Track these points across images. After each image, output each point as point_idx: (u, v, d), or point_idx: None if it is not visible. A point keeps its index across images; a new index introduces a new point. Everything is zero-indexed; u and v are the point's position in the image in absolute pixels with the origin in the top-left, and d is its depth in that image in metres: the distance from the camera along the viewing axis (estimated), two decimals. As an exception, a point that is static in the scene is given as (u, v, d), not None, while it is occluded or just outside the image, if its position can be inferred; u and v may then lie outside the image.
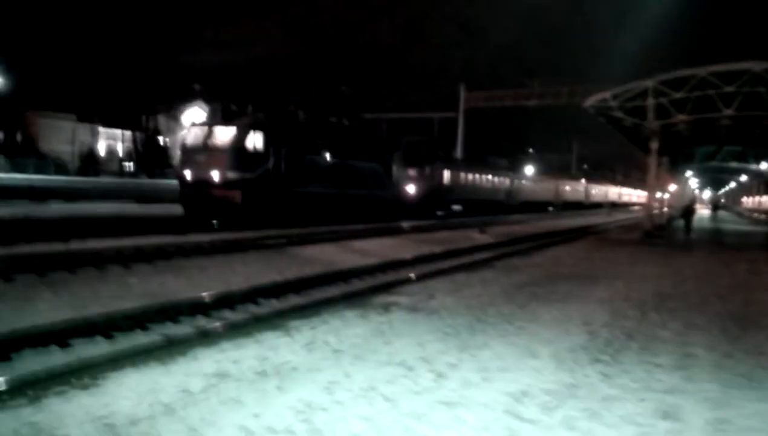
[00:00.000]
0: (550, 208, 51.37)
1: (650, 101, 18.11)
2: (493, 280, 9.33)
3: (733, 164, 36.91)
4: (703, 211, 49.77)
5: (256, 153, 18.96)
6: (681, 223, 25.49)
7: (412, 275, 11.11)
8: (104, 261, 10.49)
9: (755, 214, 46.75)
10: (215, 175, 18.01)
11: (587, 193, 65.04)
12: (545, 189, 50.45)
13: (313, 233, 17.92)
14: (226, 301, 8.47)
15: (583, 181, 65.55)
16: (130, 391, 3.95)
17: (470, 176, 36.35)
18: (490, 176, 39.17)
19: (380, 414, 3.67)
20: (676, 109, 18.29)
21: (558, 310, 7.05)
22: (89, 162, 49.69)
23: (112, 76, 54.04)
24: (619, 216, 48.09)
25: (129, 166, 54.17)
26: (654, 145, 19.79)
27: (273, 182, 19.34)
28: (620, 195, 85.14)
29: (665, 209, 35.40)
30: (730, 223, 40.53)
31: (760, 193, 44.90)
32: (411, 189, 28.66)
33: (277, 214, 19.45)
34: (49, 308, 7.26)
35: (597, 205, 68.01)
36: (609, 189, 77.56)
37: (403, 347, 5.18)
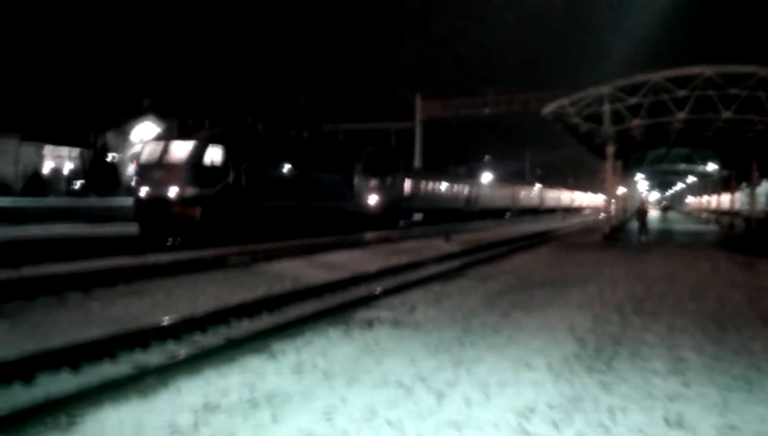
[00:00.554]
0: (507, 215, 52.19)
1: (606, 107, 18.55)
2: (469, 289, 9.25)
3: (682, 166, 38.33)
4: (652, 213, 51.46)
5: (214, 168, 18.51)
6: (635, 225, 26.20)
7: (379, 289, 10.95)
8: (62, 287, 9.92)
9: (703, 214, 48.69)
10: (173, 192, 17.45)
11: (542, 199, 66.41)
12: (503, 196, 51.23)
13: (278, 248, 17.56)
14: (197, 323, 8.10)
15: (537, 187, 66.93)
16: (115, 431, 3.63)
17: (431, 185, 36.53)
18: (450, 185, 39.48)
19: (387, 441, 3.47)
20: (632, 114, 18.80)
21: (541, 317, 7.00)
22: (35, 182, 47.63)
23: (58, 93, 52.18)
24: (573, 220, 49.23)
25: (77, 185, 52.21)
26: (610, 149, 20.28)
27: (233, 197, 18.89)
28: (572, 200, 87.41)
29: (619, 212, 36.33)
30: (679, 223, 42.01)
31: (707, 193, 46.75)
32: (372, 199, 28.53)
33: (239, 230, 19.00)
34: (6, 341, 6.76)
35: (551, 210, 69.61)
36: (561, 194, 79.52)
37: (396, 365, 5.00)
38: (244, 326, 8.36)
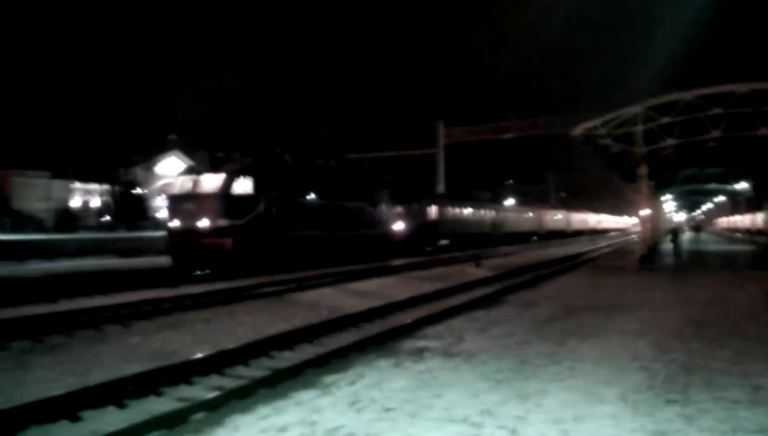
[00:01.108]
0: (534, 238, 51.53)
1: (639, 127, 18.23)
2: (514, 316, 8.95)
3: (712, 185, 37.57)
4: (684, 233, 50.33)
5: (245, 199, 18.60)
6: (668, 246, 25.57)
7: (419, 317, 10.70)
8: (100, 321, 9.87)
9: (736, 234, 47.51)
10: (204, 224, 17.52)
11: (568, 222, 65.58)
12: (529, 219, 50.68)
13: (308, 277, 17.44)
14: (238, 356, 7.92)
15: (563, 210, 66.18)
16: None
17: (456, 210, 36.29)
18: (475, 210, 39.18)
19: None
20: (664, 134, 18.43)
21: (599, 345, 6.68)
22: (65, 218, 48.52)
23: (87, 131, 53.47)
24: (601, 243, 48.30)
25: (106, 219, 53.06)
26: (643, 170, 19.87)
27: (263, 227, 18.91)
28: (598, 222, 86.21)
29: (650, 233, 35.57)
30: (711, 243, 40.98)
31: (739, 212, 45.66)
32: (399, 226, 28.36)
33: (269, 260, 18.97)
34: (50, 377, 6.65)
35: (577, 233, 68.64)
36: (588, 217, 78.51)
37: (458, 399, 4.74)
38: (286, 357, 8.16)
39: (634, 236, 69.76)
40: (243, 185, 18.54)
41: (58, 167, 51.72)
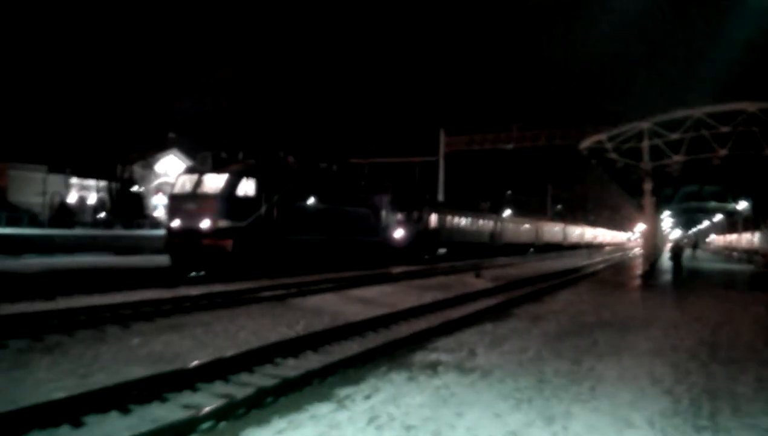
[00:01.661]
0: (531, 250, 51.42)
1: (645, 142, 18.16)
2: (524, 331, 8.78)
3: (712, 204, 37.56)
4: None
5: (247, 200, 18.41)
6: (668, 263, 25.48)
7: (425, 328, 10.53)
8: (100, 320, 9.65)
9: (733, 253, 47.58)
10: (205, 224, 17.31)
11: (565, 235, 65.59)
12: (527, 231, 50.60)
13: (309, 282, 17.25)
14: (242, 362, 7.72)
15: (561, 223, 66.19)
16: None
17: (456, 219, 36.16)
18: (474, 219, 39.06)
19: None
20: (671, 150, 18.37)
21: (616, 366, 6.52)
22: (61, 213, 48.13)
23: (85, 126, 53.14)
24: (599, 257, 48.20)
25: (103, 216, 52.68)
26: (648, 185, 19.80)
27: (265, 230, 18.71)
28: (594, 236, 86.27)
29: (651, 250, 35.51)
30: (707, 261, 40.93)
31: (737, 231, 45.74)
32: (399, 233, 28.20)
33: (269, 263, 18.77)
34: (50, 378, 6.44)
35: (574, 246, 68.62)
36: (584, 230, 78.57)
37: (480, 419, 4.56)
38: (291, 366, 7.96)
39: (629, 251, 69.75)
40: (245, 187, 18.36)
41: (56, 162, 51.37)
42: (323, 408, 4.78)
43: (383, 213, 26.76)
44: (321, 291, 15.52)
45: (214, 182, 18.02)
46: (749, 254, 40.00)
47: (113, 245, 29.95)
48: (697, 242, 65.81)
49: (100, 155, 53.59)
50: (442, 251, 34.22)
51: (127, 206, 51.25)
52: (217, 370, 7.22)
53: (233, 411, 5.54)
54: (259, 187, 18.61)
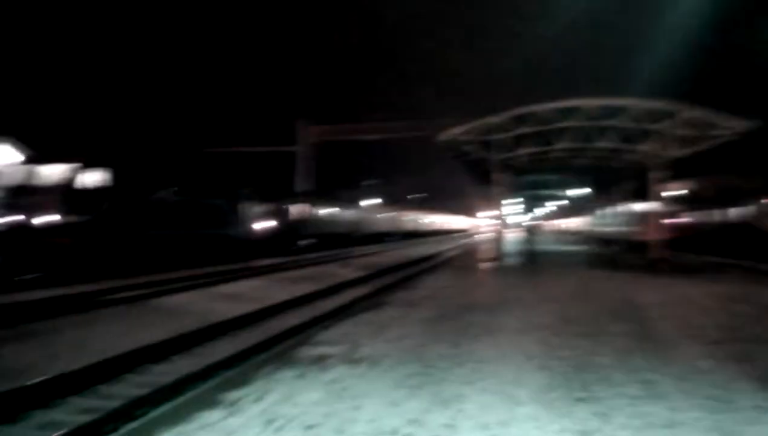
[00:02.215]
0: (393, 238, 53.02)
1: (497, 136, 19.40)
2: (401, 318, 8.95)
3: (551, 191, 41.48)
4: (519, 234, 54.82)
5: (91, 192, 16.89)
6: (515, 247, 27.56)
7: (302, 321, 10.42)
8: None
9: (569, 236, 53.00)
10: (45, 219, 15.59)
11: (422, 222, 68.49)
12: (386, 220, 52.04)
13: (167, 280, 16.25)
14: (107, 370, 7.04)
15: (417, 212, 68.95)
16: None
17: (320, 210, 36.10)
18: (338, 209, 39.31)
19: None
20: (520, 142, 19.81)
21: (492, 346, 6.86)
22: None
23: None
24: (452, 243, 51.00)
25: None
26: (499, 176, 21.19)
27: (112, 225, 17.28)
28: (449, 223, 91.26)
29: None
30: (548, 243, 44.96)
31: (574, 215, 50.93)
32: (263, 225, 27.52)
33: (119, 261, 17.40)
34: None
35: (428, 233, 71.96)
36: (437, 218, 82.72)
37: (379, 410, 4.54)
38: (164, 372, 7.41)
39: (478, 235, 74.71)
40: (90, 177, 16.86)
41: None
42: (213, 415, 4.45)
43: (245, 205, 25.93)
44: (182, 289, 14.70)
45: (54, 173, 16.30)
46: (584, 236, 44.75)
47: None
48: (539, 226, 72.21)
49: None
50: (307, 241, 34.02)
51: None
52: (80, 381, 6.52)
53: (101, 427, 5.01)
54: (106, 178, 17.17)
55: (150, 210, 19.10)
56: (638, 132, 18.72)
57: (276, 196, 30.11)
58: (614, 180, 28.51)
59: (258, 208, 27.42)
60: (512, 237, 35.68)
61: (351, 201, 44.51)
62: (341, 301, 13.17)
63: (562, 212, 57.94)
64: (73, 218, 16.03)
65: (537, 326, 8.27)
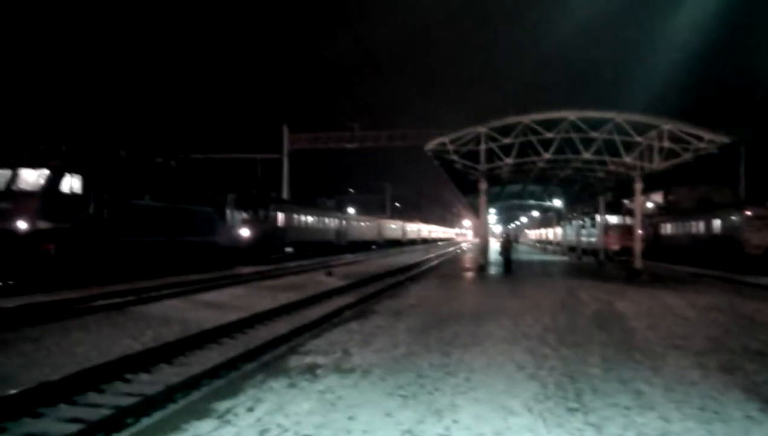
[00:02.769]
0: (373, 247, 52.94)
1: (482, 146, 19.53)
2: (389, 327, 8.92)
3: (531, 202, 41.70)
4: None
5: (72, 198, 16.64)
6: (496, 256, 27.72)
7: (289, 330, 10.30)
8: None
9: (548, 246, 53.39)
10: (23, 225, 15.29)
11: (404, 231, 68.56)
12: (370, 228, 52.00)
13: (149, 288, 16.01)
14: (86, 380, 6.87)
15: (399, 221, 69.05)
16: None
17: (302, 218, 35.96)
18: (321, 218, 39.18)
19: None
20: (503, 153, 19.95)
21: (482, 355, 6.87)
22: None
23: None
24: (435, 252, 51.10)
25: None
26: (483, 185, 21.32)
27: (93, 231, 17.01)
28: (429, 232, 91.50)
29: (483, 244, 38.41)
30: (527, 253, 45.31)
31: (552, 226, 51.37)
32: (245, 233, 27.27)
33: (100, 268, 17.13)
34: None
35: (412, 242, 72.07)
36: (420, 227, 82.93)
37: (373, 420, 4.49)
38: (146, 381, 7.26)
39: (459, 245, 74.98)
40: (70, 183, 16.61)
41: None
42: (205, 426, 4.36)
43: (227, 212, 25.71)
44: (165, 297, 14.50)
45: (32, 178, 16.06)
46: (561, 247, 45.16)
47: None
48: (517, 236, 72.64)
49: None
50: (289, 250, 33.81)
51: None
52: (60, 390, 6.35)
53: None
54: (86, 184, 16.95)
55: (133, 216, 18.84)
56: (622, 144, 18.97)
57: (261, 203, 29.90)
58: (597, 191, 28.83)
59: (242, 216, 27.20)
60: (496, 247, 35.89)
61: (335, 210, 44.42)
62: (328, 309, 13.08)
63: (545, 222, 58.49)
64: (54, 224, 15.75)
65: (523, 335, 8.30)
